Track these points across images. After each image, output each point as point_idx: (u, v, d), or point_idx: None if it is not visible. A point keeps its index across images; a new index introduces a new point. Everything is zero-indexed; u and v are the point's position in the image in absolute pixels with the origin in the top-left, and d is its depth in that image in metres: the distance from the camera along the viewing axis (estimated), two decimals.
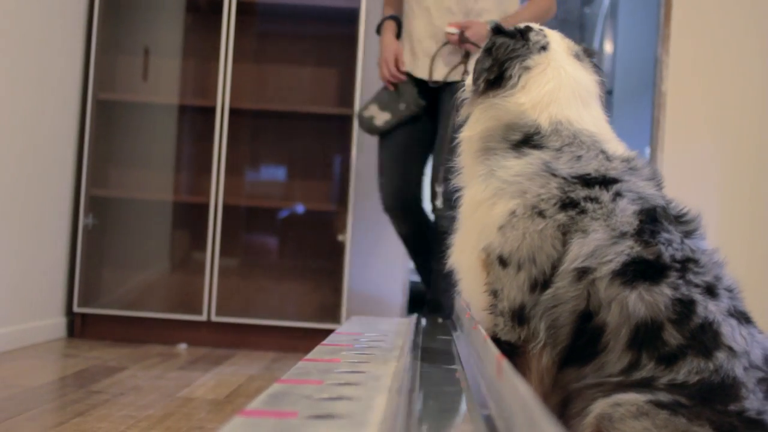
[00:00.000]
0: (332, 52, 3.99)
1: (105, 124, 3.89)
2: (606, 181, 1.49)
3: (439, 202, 3.13)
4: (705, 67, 3.97)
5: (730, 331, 1.37)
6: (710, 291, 1.40)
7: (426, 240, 3.33)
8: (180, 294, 3.90)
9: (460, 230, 1.66)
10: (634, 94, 4.85)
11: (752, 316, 1.44)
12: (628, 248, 1.42)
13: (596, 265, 1.42)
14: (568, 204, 1.47)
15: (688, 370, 1.35)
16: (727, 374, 1.34)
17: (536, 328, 1.47)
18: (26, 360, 3.14)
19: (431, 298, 3.25)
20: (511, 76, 1.65)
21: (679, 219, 1.49)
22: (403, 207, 3.33)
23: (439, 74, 3.17)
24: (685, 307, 1.38)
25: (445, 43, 3.12)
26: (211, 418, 2.31)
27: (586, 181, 1.49)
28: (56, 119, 3.67)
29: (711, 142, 3.95)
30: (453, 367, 1.70)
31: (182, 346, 3.66)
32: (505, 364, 1.20)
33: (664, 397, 1.33)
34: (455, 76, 3.13)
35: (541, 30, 1.73)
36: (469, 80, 1.82)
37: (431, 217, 3.30)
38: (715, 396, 1.33)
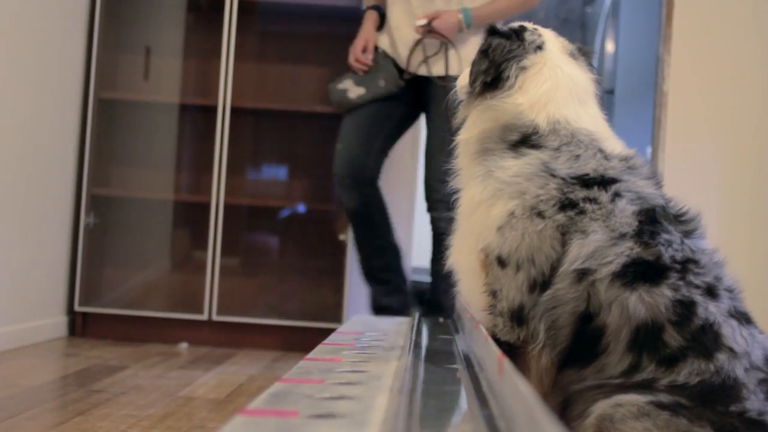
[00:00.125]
0: (334, 51, 3.99)
1: (106, 123, 3.89)
2: (605, 182, 1.49)
3: (436, 206, 3.09)
4: (706, 67, 3.96)
5: (731, 332, 1.37)
6: (711, 292, 1.40)
7: (372, 220, 3.22)
8: (181, 293, 3.89)
9: (459, 231, 1.66)
10: (636, 93, 4.84)
11: (752, 317, 1.44)
12: (628, 249, 1.42)
13: (596, 266, 1.42)
14: (567, 205, 1.47)
15: (688, 372, 1.35)
16: (728, 375, 1.34)
17: (535, 329, 1.46)
18: (27, 359, 3.15)
19: (430, 298, 3.24)
20: (508, 77, 1.64)
21: (678, 218, 1.49)
22: (355, 176, 3.18)
23: (417, 67, 3.10)
24: (685, 309, 1.38)
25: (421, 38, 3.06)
26: (212, 417, 2.31)
27: (585, 181, 1.49)
28: (57, 118, 3.67)
29: (712, 141, 3.95)
30: (454, 366, 1.70)
31: (183, 346, 3.66)
32: (507, 363, 1.20)
33: (665, 398, 1.33)
34: (438, 71, 3.07)
35: (536, 29, 1.72)
36: (461, 81, 1.82)
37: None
38: (716, 397, 1.33)
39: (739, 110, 3.93)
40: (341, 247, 3.80)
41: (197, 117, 4.03)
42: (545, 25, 1.78)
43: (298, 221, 4.04)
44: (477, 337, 1.66)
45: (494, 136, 1.60)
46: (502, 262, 1.50)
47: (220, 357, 3.39)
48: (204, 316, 3.72)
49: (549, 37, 1.71)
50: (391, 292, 3.26)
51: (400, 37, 3.13)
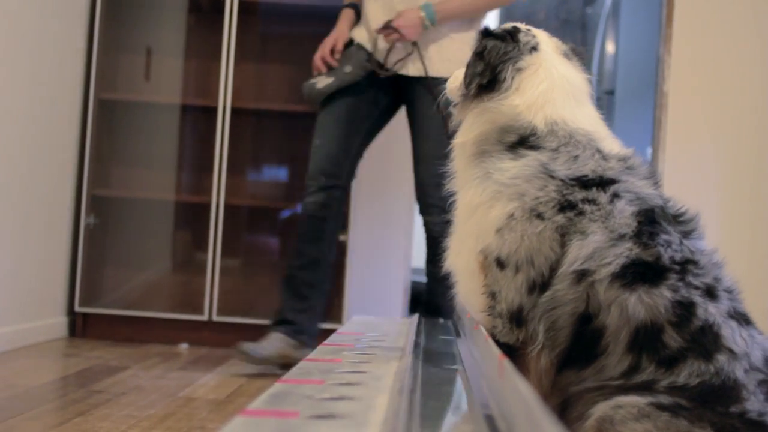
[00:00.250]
0: None
1: (107, 123, 3.89)
2: (603, 182, 1.49)
3: (430, 210, 3.01)
4: (707, 67, 3.96)
5: (731, 333, 1.37)
6: (710, 293, 1.40)
7: (324, 230, 3.08)
8: (181, 294, 3.90)
9: (456, 233, 1.65)
10: (636, 94, 4.84)
11: (752, 317, 1.44)
12: (627, 250, 1.42)
13: (595, 267, 1.42)
14: (566, 206, 1.47)
15: (688, 373, 1.35)
16: (727, 376, 1.34)
17: (535, 331, 1.46)
18: (27, 359, 3.15)
19: (428, 300, 3.21)
20: (504, 79, 1.64)
21: (677, 219, 1.49)
22: (332, 176, 3.06)
23: (396, 65, 3.00)
24: (685, 310, 1.38)
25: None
26: (212, 417, 2.31)
27: (584, 182, 1.49)
28: (58, 118, 3.67)
29: (713, 142, 3.95)
30: (454, 367, 1.70)
31: (183, 346, 3.66)
32: (507, 364, 1.20)
33: (665, 399, 1.33)
34: (417, 71, 2.98)
35: (529, 30, 1.72)
36: (452, 83, 1.82)
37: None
38: (716, 398, 1.33)
39: (740, 111, 3.93)
40: (341, 248, 3.80)
41: (198, 118, 4.03)
42: (546, 26, 1.78)
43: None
44: (477, 338, 1.66)
45: (491, 138, 1.60)
46: (501, 264, 1.50)
47: (220, 358, 3.40)
48: (204, 317, 3.72)
49: (543, 37, 1.71)
50: (304, 310, 3.08)
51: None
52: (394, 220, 3.59)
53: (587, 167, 1.51)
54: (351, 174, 3.15)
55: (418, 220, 3.48)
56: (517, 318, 1.48)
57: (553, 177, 1.50)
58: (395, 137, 3.54)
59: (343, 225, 3.80)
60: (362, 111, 3.09)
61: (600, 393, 1.39)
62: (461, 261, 1.62)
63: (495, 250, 1.51)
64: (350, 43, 3.13)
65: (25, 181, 3.41)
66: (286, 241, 4.07)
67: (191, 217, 4.00)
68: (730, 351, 1.36)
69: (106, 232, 3.90)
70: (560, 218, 1.47)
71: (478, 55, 1.67)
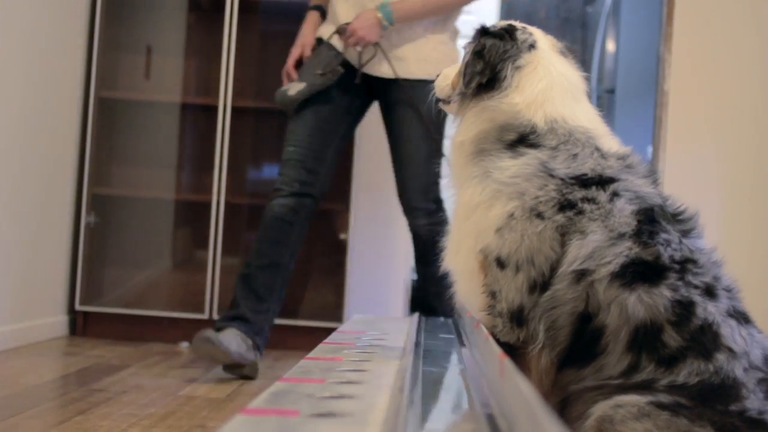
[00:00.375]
0: None
1: (107, 122, 3.89)
2: (603, 181, 1.49)
3: (415, 214, 2.97)
4: (708, 66, 3.96)
5: (730, 332, 1.37)
6: (709, 292, 1.40)
7: (290, 235, 2.95)
8: (182, 292, 3.90)
9: (455, 233, 1.65)
10: (637, 92, 4.84)
11: (751, 316, 1.44)
12: (626, 249, 1.42)
13: (595, 267, 1.42)
14: (566, 205, 1.47)
15: (688, 372, 1.35)
16: (727, 375, 1.34)
17: (535, 330, 1.46)
18: (28, 358, 3.15)
19: (421, 300, 3.13)
20: (504, 77, 1.63)
21: (676, 217, 1.49)
22: (305, 184, 2.95)
23: (369, 66, 2.93)
24: (684, 309, 1.38)
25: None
26: (212, 416, 2.32)
27: (583, 181, 1.49)
28: (58, 117, 3.67)
29: (713, 140, 3.95)
30: (455, 365, 1.70)
31: (184, 345, 3.66)
32: (508, 363, 1.20)
33: (665, 398, 1.33)
34: (390, 73, 2.92)
35: (525, 28, 1.72)
36: (441, 83, 1.81)
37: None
38: (715, 397, 1.33)
39: (740, 109, 3.93)
40: (342, 247, 3.80)
41: (198, 116, 4.03)
42: (546, 25, 1.78)
43: None
44: (478, 337, 1.66)
45: (491, 136, 1.59)
46: (501, 264, 1.50)
47: None
48: (205, 316, 3.72)
49: (539, 35, 1.71)
50: (262, 311, 2.93)
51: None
52: (394, 220, 3.58)
53: (586, 166, 1.51)
54: (324, 184, 3.03)
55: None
56: (518, 317, 1.48)
57: (552, 176, 1.50)
58: None
59: (343, 225, 3.81)
60: (335, 117, 3.00)
61: (600, 392, 1.39)
62: (460, 260, 1.61)
63: (495, 250, 1.50)
64: (319, 40, 3.04)
65: (26, 179, 3.41)
66: None
67: (192, 216, 4.00)
68: (730, 350, 1.36)
69: (107, 230, 3.90)
70: (560, 217, 1.47)
71: (478, 53, 1.66)
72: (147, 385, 2.70)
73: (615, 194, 1.47)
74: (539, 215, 1.48)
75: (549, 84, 1.62)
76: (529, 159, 1.53)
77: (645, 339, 1.38)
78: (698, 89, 3.96)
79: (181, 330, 3.73)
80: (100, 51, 3.79)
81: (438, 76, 1.84)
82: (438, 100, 1.85)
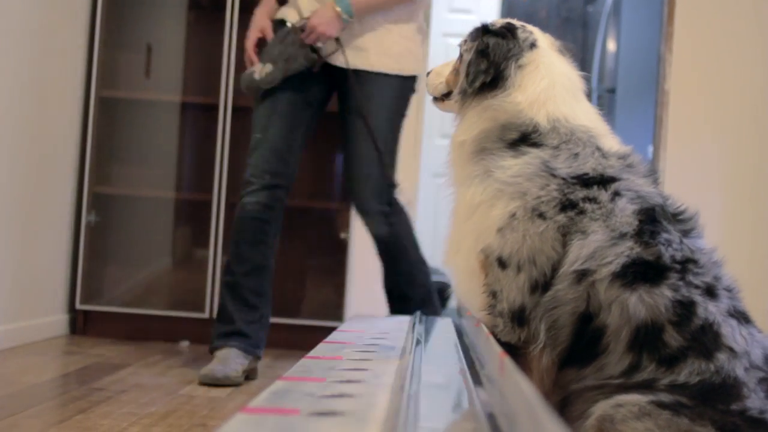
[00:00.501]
0: None
1: (108, 121, 3.89)
2: (604, 180, 1.49)
3: (368, 216, 2.88)
4: (708, 65, 3.96)
5: (731, 332, 1.38)
6: (710, 292, 1.40)
7: (267, 233, 2.88)
8: (182, 291, 3.89)
9: (456, 231, 1.65)
10: (637, 92, 4.84)
11: (751, 316, 1.44)
12: (628, 249, 1.42)
13: (596, 267, 1.42)
14: (567, 205, 1.47)
15: (689, 372, 1.36)
16: (728, 375, 1.35)
17: (536, 330, 1.46)
18: (28, 357, 3.15)
19: (392, 291, 2.96)
20: (508, 77, 1.63)
21: (676, 217, 1.49)
22: (276, 174, 2.86)
23: (331, 56, 2.85)
24: (685, 309, 1.38)
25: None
26: (213, 415, 2.32)
27: (585, 181, 1.49)
28: (59, 116, 3.67)
29: (714, 140, 3.94)
30: (455, 364, 1.70)
31: (184, 344, 3.66)
32: (508, 361, 1.20)
33: (665, 397, 1.33)
34: (353, 62, 2.84)
35: (524, 26, 1.72)
36: (434, 80, 1.81)
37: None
38: (716, 396, 1.33)
39: (741, 109, 3.93)
40: (342, 246, 3.80)
41: (199, 115, 4.03)
42: (547, 24, 1.78)
43: (299, 219, 4.04)
44: (478, 335, 1.66)
45: (492, 135, 1.59)
46: (502, 264, 1.50)
47: None
48: (205, 315, 3.72)
49: (538, 34, 1.71)
50: (255, 320, 2.85)
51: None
52: None
53: (588, 165, 1.51)
54: (294, 173, 2.93)
55: (419, 222, 3.45)
56: (519, 317, 1.48)
57: (554, 175, 1.50)
58: None
59: (343, 224, 3.80)
60: (302, 103, 2.89)
61: (600, 392, 1.40)
62: (460, 259, 1.61)
63: (496, 250, 1.50)
64: (281, 22, 2.95)
65: (26, 178, 3.41)
66: (286, 239, 4.07)
67: (192, 215, 4.00)
68: (731, 349, 1.36)
69: (107, 229, 3.90)
70: (562, 218, 1.47)
71: (482, 52, 1.66)
72: (147, 384, 2.70)
73: (616, 194, 1.47)
74: (541, 215, 1.48)
75: (551, 83, 1.62)
76: (530, 158, 1.53)
77: (646, 339, 1.38)
78: (699, 89, 3.96)
79: (182, 329, 3.74)
80: (101, 50, 3.79)
81: (429, 73, 1.84)
82: (434, 98, 1.85)
